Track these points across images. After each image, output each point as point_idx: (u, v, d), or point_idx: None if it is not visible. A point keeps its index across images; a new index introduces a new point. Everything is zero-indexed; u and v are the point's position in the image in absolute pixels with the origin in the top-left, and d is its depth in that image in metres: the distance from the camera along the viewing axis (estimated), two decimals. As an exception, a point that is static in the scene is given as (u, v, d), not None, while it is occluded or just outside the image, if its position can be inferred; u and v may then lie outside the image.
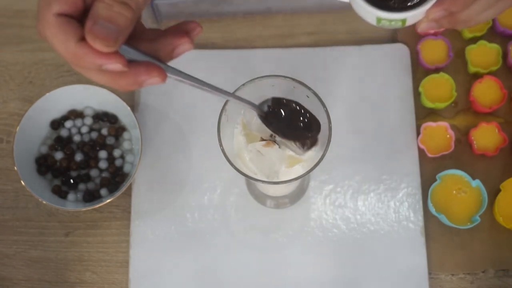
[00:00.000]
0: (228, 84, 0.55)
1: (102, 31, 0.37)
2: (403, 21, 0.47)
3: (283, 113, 0.51)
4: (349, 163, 0.71)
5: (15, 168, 0.66)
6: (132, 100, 0.74)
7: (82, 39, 0.38)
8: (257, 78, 0.52)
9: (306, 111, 0.52)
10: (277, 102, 0.51)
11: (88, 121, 0.72)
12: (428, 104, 0.71)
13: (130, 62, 0.39)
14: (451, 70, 0.73)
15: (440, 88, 0.71)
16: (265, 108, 0.51)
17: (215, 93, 0.46)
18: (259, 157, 0.53)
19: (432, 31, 0.72)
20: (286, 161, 0.54)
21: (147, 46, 0.40)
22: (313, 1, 0.76)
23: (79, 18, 0.39)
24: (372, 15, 0.47)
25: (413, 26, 0.75)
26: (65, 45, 0.38)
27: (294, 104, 0.52)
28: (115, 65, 0.38)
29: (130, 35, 0.39)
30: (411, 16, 0.46)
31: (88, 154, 0.71)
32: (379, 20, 0.47)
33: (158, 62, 0.40)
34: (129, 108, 0.68)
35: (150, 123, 0.73)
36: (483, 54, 0.72)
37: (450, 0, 0.45)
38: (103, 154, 0.70)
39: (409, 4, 0.46)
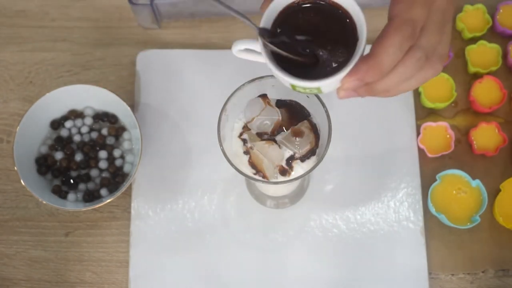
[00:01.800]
0: (228, 84, 0.55)
1: None
2: (318, 89, 0.45)
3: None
4: (349, 163, 0.71)
5: (15, 168, 0.66)
6: (132, 100, 0.74)
7: None
8: (257, 78, 0.53)
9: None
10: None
11: (88, 121, 0.72)
12: (428, 104, 0.71)
13: None
14: (451, 70, 0.73)
15: (440, 88, 0.71)
16: (268, 26, 0.46)
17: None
18: (259, 155, 0.53)
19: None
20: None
21: None
22: (313, 1, 0.75)
23: None
24: (286, 82, 0.46)
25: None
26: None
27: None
28: None
29: None
30: (324, 85, 0.45)
31: (88, 154, 0.71)
32: (293, 86, 0.46)
33: None
34: (129, 108, 0.68)
35: (150, 123, 0.73)
36: (483, 54, 0.72)
37: (365, 70, 0.43)
38: (103, 154, 0.70)
39: (325, 71, 0.44)
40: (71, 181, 0.70)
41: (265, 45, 0.46)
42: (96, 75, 0.76)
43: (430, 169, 0.71)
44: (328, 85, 0.45)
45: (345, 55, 0.45)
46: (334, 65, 0.45)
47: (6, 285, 0.70)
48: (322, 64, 0.45)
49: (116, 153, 0.71)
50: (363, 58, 0.43)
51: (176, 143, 0.72)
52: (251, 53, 0.50)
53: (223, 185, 0.71)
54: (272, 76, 0.52)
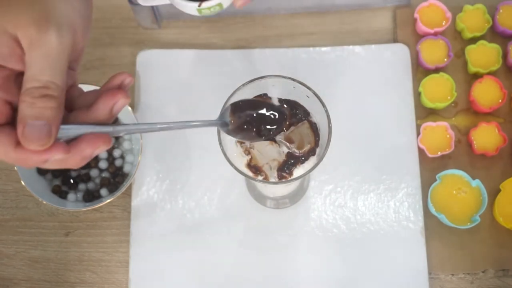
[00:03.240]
0: (229, 84, 0.55)
1: (34, 132, 0.37)
2: (220, 5, 0.54)
3: (247, 117, 0.50)
4: (349, 163, 0.71)
5: (15, 168, 0.66)
6: (132, 100, 0.74)
7: (19, 143, 0.38)
8: (257, 78, 0.52)
9: (269, 104, 0.51)
10: (235, 108, 0.50)
11: (88, 121, 0.72)
12: (428, 104, 0.71)
13: (71, 143, 0.39)
14: (451, 70, 0.73)
15: (440, 88, 0.71)
16: (227, 120, 0.50)
17: (166, 129, 0.45)
18: (259, 155, 0.54)
19: (429, 30, 0.72)
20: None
21: (85, 115, 0.40)
22: (313, 1, 0.76)
23: (12, 121, 0.39)
24: (193, 8, 0.53)
25: (412, 27, 0.75)
26: (5, 155, 0.38)
27: (253, 103, 0.51)
28: (57, 156, 0.38)
29: (66, 107, 0.40)
30: (225, 0, 0.54)
31: (88, 154, 0.71)
32: (200, 10, 0.53)
33: (100, 127, 0.40)
34: (129, 108, 0.68)
35: (150, 123, 0.73)
36: (483, 54, 0.72)
37: None
38: (103, 154, 0.70)
39: None
40: (71, 181, 0.70)
41: None
42: (96, 75, 0.76)
43: (430, 169, 0.71)
44: None
45: None
46: None
47: (6, 285, 0.70)
48: None
49: (116, 153, 0.71)
50: None
51: (176, 143, 0.72)
52: None
53: (223, 185, 0.71)
54: (271, 76, 0.53)
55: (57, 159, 0.39)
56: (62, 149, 0.38)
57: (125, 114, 0.70)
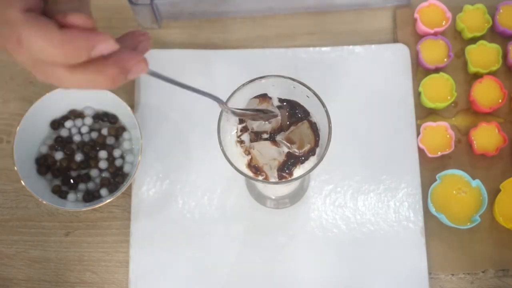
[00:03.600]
0: (228, 84, 0.55)
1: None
2: None
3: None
4: (349, 163, 0.71)
5: (15, 168, 0.66)
6: (132, 100, 0.74)
7: (62, 26, 0.36)
8: (257, 78, 0.52)
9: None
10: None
11: (88, 121, 0.72)
12: (428, 104, 0.71)
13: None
14: (451, 70, 0.73)
15: (440, 88, 0.71)
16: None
17: (187, 88, 0.47)
18: (259, 155, 0.54)
19: (429, 30, 0.72)
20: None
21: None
22: (313, 1, 0.76)
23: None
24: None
25: (412, 27, 0.75)
26: (49, 37, 0.36)
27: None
28: (107, 45, 0.36)
29: None
30: None
31: (88, 154, 0.71)
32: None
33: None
34: (129, 108, 0.68)
35: (150, 123, 0.73)
36: (483, 54, 0.72)
37: None
38: (103, 154, 0.70)
39: None
40: (71, 181, 0.70)
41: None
42: (96, 75, 0.75)
43: (430, 169, 0.71)
44: None
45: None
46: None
47: (6, 285, 0.70)
48: None
49: (116, 153, 0.71)
50: None
51: (176, 143, 0.72)
52: None
53: (223, 185, 0.71)
54: (271, 76, 0.53)
55: (104, 50, 0.36)
56: (110, 37, 0.36)
57: (125, 113, 0.70)
